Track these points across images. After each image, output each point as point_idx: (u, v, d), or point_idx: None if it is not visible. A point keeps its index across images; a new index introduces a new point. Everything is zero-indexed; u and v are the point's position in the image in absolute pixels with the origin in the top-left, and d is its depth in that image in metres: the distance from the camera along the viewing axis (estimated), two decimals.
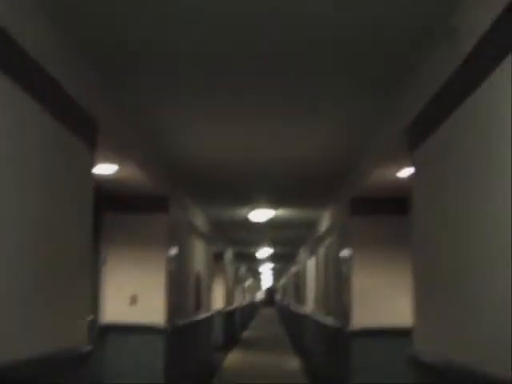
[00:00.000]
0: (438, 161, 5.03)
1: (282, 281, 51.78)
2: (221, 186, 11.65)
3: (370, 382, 9.55)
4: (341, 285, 11.11)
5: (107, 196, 9.68)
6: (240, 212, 14.49)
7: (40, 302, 4.54)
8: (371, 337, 9.69)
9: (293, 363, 17.95)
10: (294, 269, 31.59)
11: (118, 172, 8.23)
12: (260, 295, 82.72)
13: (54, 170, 4.89)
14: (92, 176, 6.09)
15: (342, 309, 10.73)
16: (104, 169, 8.02)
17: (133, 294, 9.83)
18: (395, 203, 9.84)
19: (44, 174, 4.65)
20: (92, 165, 6.05)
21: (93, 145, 5.94)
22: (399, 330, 9.24)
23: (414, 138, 5.78)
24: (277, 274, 51.02)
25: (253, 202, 13.23)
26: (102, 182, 8.95)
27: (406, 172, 7.97)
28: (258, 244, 23.48)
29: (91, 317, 9.07)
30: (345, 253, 10.78)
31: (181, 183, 11.09)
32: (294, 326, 28.35)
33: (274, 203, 13.41)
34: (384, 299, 9.82)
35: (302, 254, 23.53)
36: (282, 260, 32.29)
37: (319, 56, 5.50)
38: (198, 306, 14.09)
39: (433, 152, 5.22)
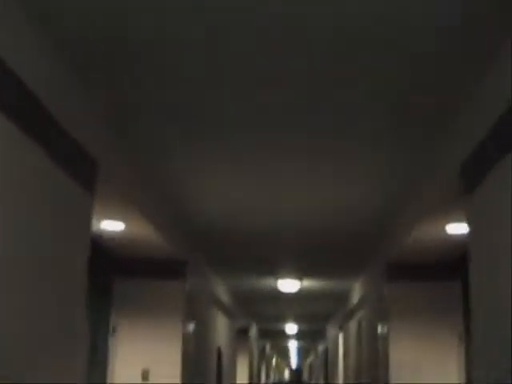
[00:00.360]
0: (503, 208, 4.05)
1: (309, 359, 50.41)
2: (242, 251, 10.70)
3: None
4: (376, 361, 10.04)
5: (117, 259, 8.80)
6: (263, 283, 13.51)
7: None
8: None
9: None
10: (321, 346, 30.41)
11: (125, 230, 7.38)
12: (287, 374, 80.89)
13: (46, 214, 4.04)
14: (89, 228, 5.21)
15: None
16: (109, 226, 7.18)
17: (144, 368, 8.84)
18: (438, 267, 8.89)
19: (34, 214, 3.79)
20: (90, 214, 5.19)
21: (91, 190, 5.10)
22: None
23: (469, 182, 4.85)
24: (303, 352, 49.55)
25: (277, 271, 12.29)
26: (110, 244, 8.10)
27: (456, 227, 7.04)
28: (284, 320, 22.38)
29: None
30: (380, 326, 9.76)
31: (199, 247, 10.18)
32: None
33: (300, 273, 12.45)
34: (426, 376, 8.75)
35: (331, 330, 22.40)
36: (307, 338, 31.06)
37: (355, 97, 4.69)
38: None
39: (494, 198, 4.27)
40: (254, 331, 23.42)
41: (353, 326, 14.20)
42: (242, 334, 19.52)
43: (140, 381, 8.81)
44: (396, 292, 9.08)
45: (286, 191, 7.33)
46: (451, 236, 7.32)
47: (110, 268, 8.69)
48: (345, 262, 11.33)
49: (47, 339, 4.20)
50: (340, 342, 18.48)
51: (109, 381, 8.60)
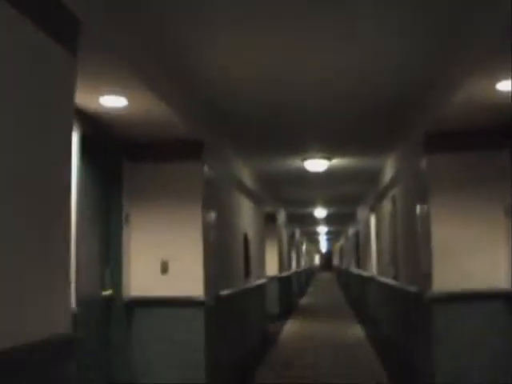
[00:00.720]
0: None
1: (339, 244, 50.23)
2: (266, 130, 9.77)
3: (455, 352, 7.79)
4: (415, 242, 9.23)
5: (127, 142, 7.93)
6: (290, 164, 12.59)
7: None
8: (456, 302, 7.86)
9: (356, 331, 16.22)
10: (352, 230, 29.85)
11: (129, 107, 6.48)
12: (317, 260, 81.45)
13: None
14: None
15: (419, 271, 8.88)
16: (110, 101, 6.28)
17: (163, 260, 8.10)
18: (484, 135, 7.97)
19: None
20: (74, 78, 4.30)
21: (74, 52, 4.19)
22: (490, 293, 7.76)
23: None
24: (333, 237, 49.26)
25: (304, 150, 11.35)
26: (117, 125, 7.22)
27: (508, 85, 6.08)
28: (313, 203, 21.63)
29: (109, 291, 7.41)
30: (419, 205, 8.90)
31: (217, 127, 9.26)
32: (355, 291, 26.63)
33: (328, 152, 11.51)
34: (470, 257, 7.95)
35: (361, 212, 21.67)
36: (337, 222, 30.47)
37: None
38: (247, 273, 12.36)
39: None
40: (282, 217, 22.75)
41: (386, 206, 13.37)
42: (270, 220, 18.81)
43: (159, 274, 8.09)
44: (436, 165, 8.19)
45: (311, 54, 6.38)
46: (502, 94, 6.36)
47: (120, 151, 7.84)
48: (376, 136, 10.33)
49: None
50: (372, 224, 17.73)
51: (125, 275, 7.88)
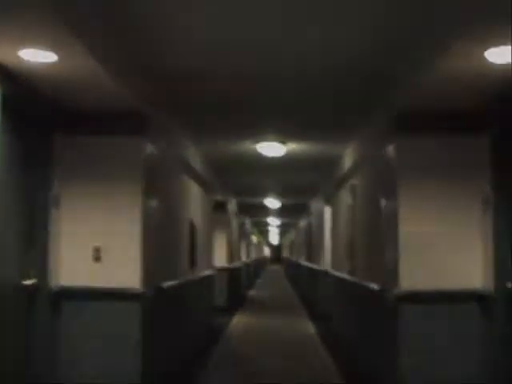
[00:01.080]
0: None
1: (290, 236, 49.58)
2: (217, 108, 8.83)
3: (422, 359, 6.99)
4: (379, 236, 8.39)
5: (57, 110, 6.94)
6: (243, 147, 11.64)
7: None
8: (425, 303, 7.07)
9: (307, 328, 15.46)
10: (303, 222, 29.12)
11: (59, 65, 5.51)
12: (267, 252, 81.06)
13: None
14: None
15: (382, 266, 8.06)
16: (35, 56, 5.31)
17: (96, 246, 7.15)
18: (460, 116, 7.18)
19: None
20: None
21: None
22: (464, 294, 7.02)
23: None
24: (284, 229, 48.53)
25: (258, 131, 10.39)
26: (46, 90, 6.25)
27: (497, 53, 5.27)
28: (265, 193, 20.73)
29: (33, 280, 6.44)
30: (384, 194, 8.07)
31: (163, 100, 8.29)
32: (305, 284, 25.91)
33: (284, 135, 10.58)
34: (442, 253, 7.16)
35: (315, 204, 20.88)
36: (289, 214, 29.64)
37: None
38: (192, 264, 11.43)
39: None
40: (233, 206, 21.86)
41: (344, 197, 12.53)
42: (219, 208, 17.94)
43: (91, 262, 7.14)
44: (405, 150, 7.36)
45: (264, 22, 5.49)
46: (490, 66, 5.55)
47: (49, 120, 6.85)
48: (338, 118, 9.34)
49: None
50: (326, 216, 16.92)
51: (51, 263, 6.91)
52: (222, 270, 18.56)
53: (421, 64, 6.06)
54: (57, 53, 5.26)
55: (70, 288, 7.05)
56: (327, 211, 16.81)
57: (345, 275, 11.88)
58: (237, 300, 21.90)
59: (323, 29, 5.65)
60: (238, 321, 16.86)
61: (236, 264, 23.09)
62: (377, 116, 8.41)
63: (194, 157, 11.57)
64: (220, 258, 18.50)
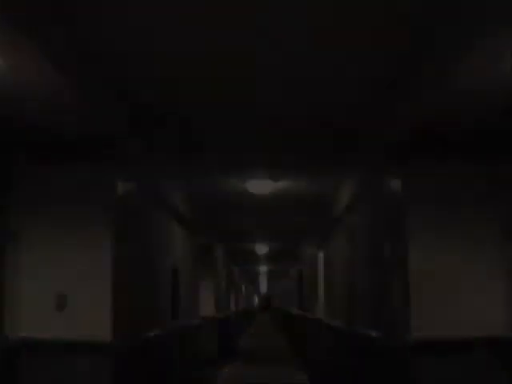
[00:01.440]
0: None
1: (280, 284, 48.57)
2: (200, 135, 7.94)
3: None
4: (382, 279, 7.43)
5: (20, 136, 6.06)
6: (230, 184, 10.71)
7: None
8: (442, 353, 6.09)
9: (300, 378, 14.67)
10: (294, 270, 28.20)
11: (8, 71, 4.64)
12: (256, 300, 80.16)
13: None
14: None
15: (387, 315, 7.10)
16: None
17: (59, 293, 6.20)
18: (476, 138, 6.31)
19: None
20: None
21: None
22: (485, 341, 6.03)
23: None
24: (273, 276, 47.39)
25: (245, 166, 9.49)
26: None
27: None
28: (253, 236, 19.77)
29: None
30: (390, 235, 7.13)
31: (139, 128, 7.34)
32: (298, 334, 24.91)
33: (274, 169, 9.67)
34: (460, 296, 6.22)
35: (307, 249, 19.91)
36: (279, 259, 28.63)
37: None
38: (175, 313, 10.43)
39: None
40: (220, 252, 20.88)
41: (339, 242, 11.56)
42: (206, 253, 17.02)
43: (53, 310, 6.19)
44: (415, 183, 6.41)
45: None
46: None
47: (10, 147, 5.99)
48: (330, 148, 8.49)
49: None
50: (319, 262, 15.89)
51: (7, 311, 5.98)
52: (209, 319, 17.58)
53: (434, 78, 5.21)
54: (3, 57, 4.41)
55: (29, 340, 6.10)
56: (320, 257, 15.81)
57: (340, 324, 10.90)
58: (227, 351, 20.89)
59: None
60: (229, 374, 15.85)
61: (225, 313, 22.17)
62: (378, 144, 7.49)
63: (177, 195, 10.63)
64: (208, 307, 17.57)
